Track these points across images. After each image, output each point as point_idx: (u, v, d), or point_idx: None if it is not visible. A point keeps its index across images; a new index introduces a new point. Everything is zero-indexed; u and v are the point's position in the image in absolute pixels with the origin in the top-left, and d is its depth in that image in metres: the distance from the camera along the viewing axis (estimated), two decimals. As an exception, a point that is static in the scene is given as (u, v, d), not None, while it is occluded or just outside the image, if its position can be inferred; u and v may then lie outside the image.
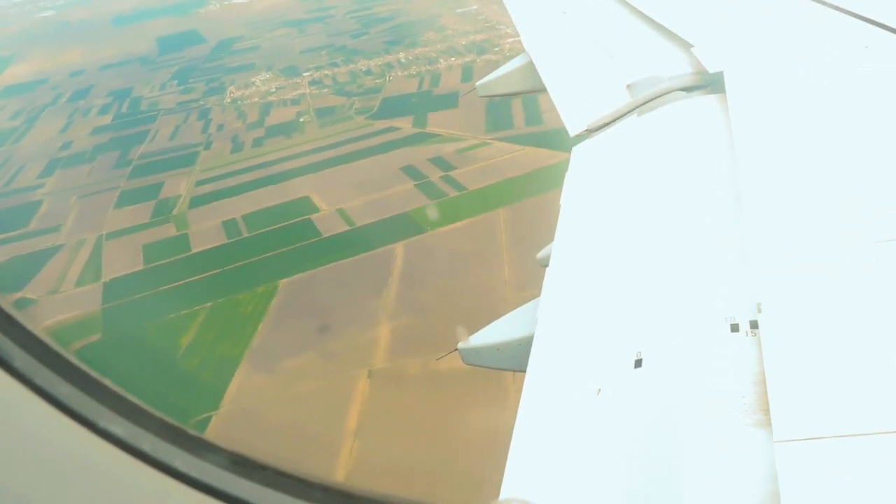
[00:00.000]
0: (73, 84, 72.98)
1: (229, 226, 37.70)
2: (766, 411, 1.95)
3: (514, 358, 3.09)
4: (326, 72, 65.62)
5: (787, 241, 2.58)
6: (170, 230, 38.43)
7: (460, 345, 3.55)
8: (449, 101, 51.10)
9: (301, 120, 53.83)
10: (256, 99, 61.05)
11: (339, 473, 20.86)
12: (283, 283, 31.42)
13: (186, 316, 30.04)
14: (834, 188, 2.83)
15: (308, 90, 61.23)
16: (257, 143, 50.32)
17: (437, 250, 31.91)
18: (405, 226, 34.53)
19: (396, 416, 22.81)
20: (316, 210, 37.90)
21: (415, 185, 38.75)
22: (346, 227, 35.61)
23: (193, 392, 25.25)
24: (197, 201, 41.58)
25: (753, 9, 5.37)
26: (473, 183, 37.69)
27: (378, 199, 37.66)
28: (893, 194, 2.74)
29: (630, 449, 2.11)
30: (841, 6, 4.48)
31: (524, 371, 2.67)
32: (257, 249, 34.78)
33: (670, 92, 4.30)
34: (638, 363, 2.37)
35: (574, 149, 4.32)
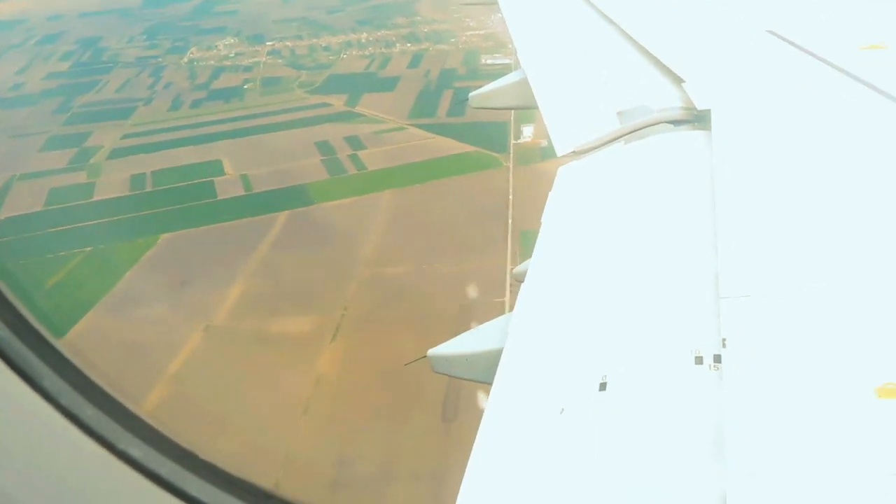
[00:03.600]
0: (47, 28, 73.66)
1: (137, 179, 38.95)
2: (722, 448, 1.95)
3: (483, 369, 3.09)
4: (288, 43, 66.43)
5: (758, 280, 2.61)
6: (80, 178, 39.69)
7: (430, 351, 3.51)
8: (387, 84, 52.19)
9: (245, 87, 54.89)
10: (213, 62, 61.92)
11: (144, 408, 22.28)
12: (163, 237, 32.76)
13: (63, 258, 31.40)
14: (809, 232, 2.92)
15: (264, 59, 62.22)
16: (196, 104, 51.37)
17: (315, 223, 33.21)
18: (296, 197, 35.81)
19: (215, 369, 24.24)
20: (221, 174, 39.19)
21: (321, 159, 39.96)
22: (243, 192, 36.94)
23: (39, 327, 26.60)
24: (117, 153, 42.71)
25: (747, 48, 5.48)
26: (375, 163, 38.95)
27: (282, 170, 38.92)
28: (867, 241, 2.78)
29: (588, 472, 2.13)
30: (837, 64, 4.63)
31: (491, 383, 2.71)
32: (154, 204, 36.08)
33: (658, 123, 4.45)
34: (602, 386, 2.38)
35: (560, 169, 4.41)
